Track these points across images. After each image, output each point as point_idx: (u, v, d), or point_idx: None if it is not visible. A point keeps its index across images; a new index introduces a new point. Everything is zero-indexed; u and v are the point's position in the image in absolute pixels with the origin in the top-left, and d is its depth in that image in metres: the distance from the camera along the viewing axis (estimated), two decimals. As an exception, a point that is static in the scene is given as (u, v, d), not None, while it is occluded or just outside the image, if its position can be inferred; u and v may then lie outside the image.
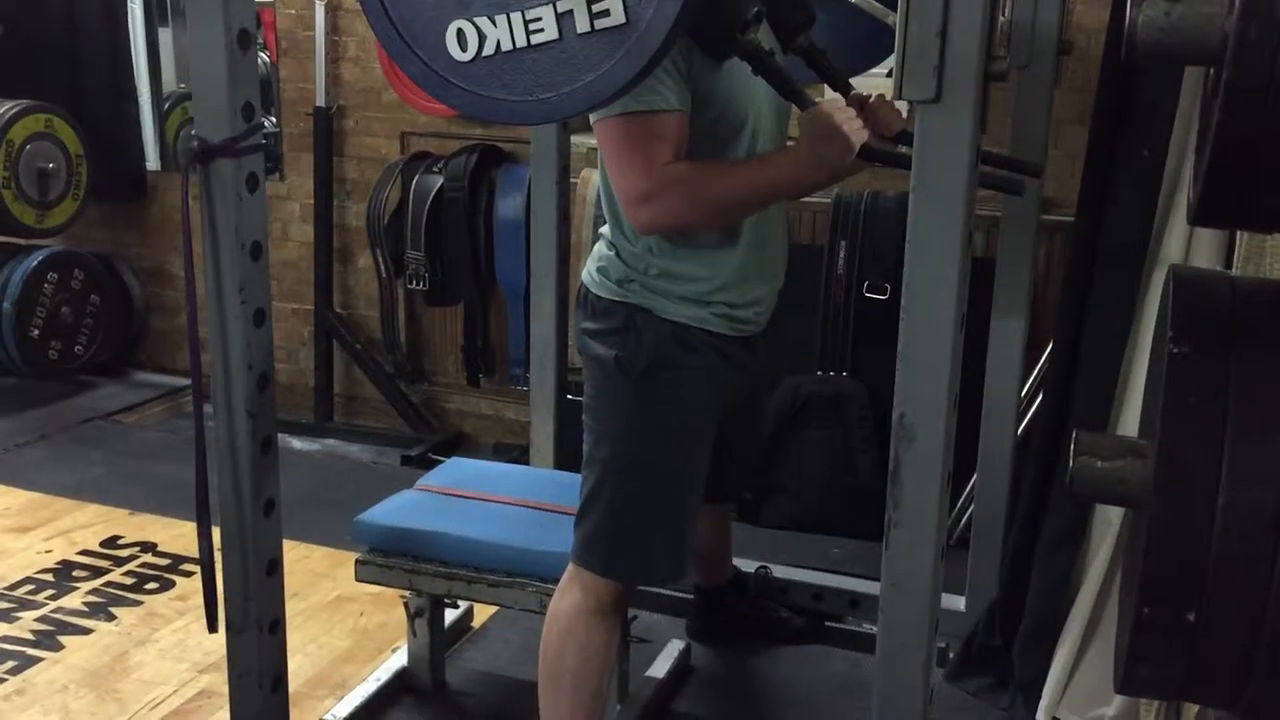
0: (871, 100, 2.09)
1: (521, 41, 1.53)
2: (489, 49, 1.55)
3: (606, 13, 1.48)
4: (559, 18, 1.50)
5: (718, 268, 2.03)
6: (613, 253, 2.06)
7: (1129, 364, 2.35)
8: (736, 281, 2.04)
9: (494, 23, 1.54)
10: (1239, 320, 0.88)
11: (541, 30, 1.52)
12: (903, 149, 2.22)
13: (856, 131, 1.88)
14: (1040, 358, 3.15)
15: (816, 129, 1.89)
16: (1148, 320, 2.31)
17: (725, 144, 1.97)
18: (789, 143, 2.16)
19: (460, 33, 1.56)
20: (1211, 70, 0.91)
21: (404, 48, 1.61)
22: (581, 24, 1.50)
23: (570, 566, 2.12)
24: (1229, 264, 2.14)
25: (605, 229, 2.10)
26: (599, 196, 2.09)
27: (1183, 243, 2.27)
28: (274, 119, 4.36)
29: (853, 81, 2.15)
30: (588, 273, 2.11)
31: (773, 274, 2.15)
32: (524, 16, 1.52)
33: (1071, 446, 0.93)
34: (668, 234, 1.98)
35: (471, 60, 1.56)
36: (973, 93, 1.51)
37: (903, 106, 1.89)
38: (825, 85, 2.26)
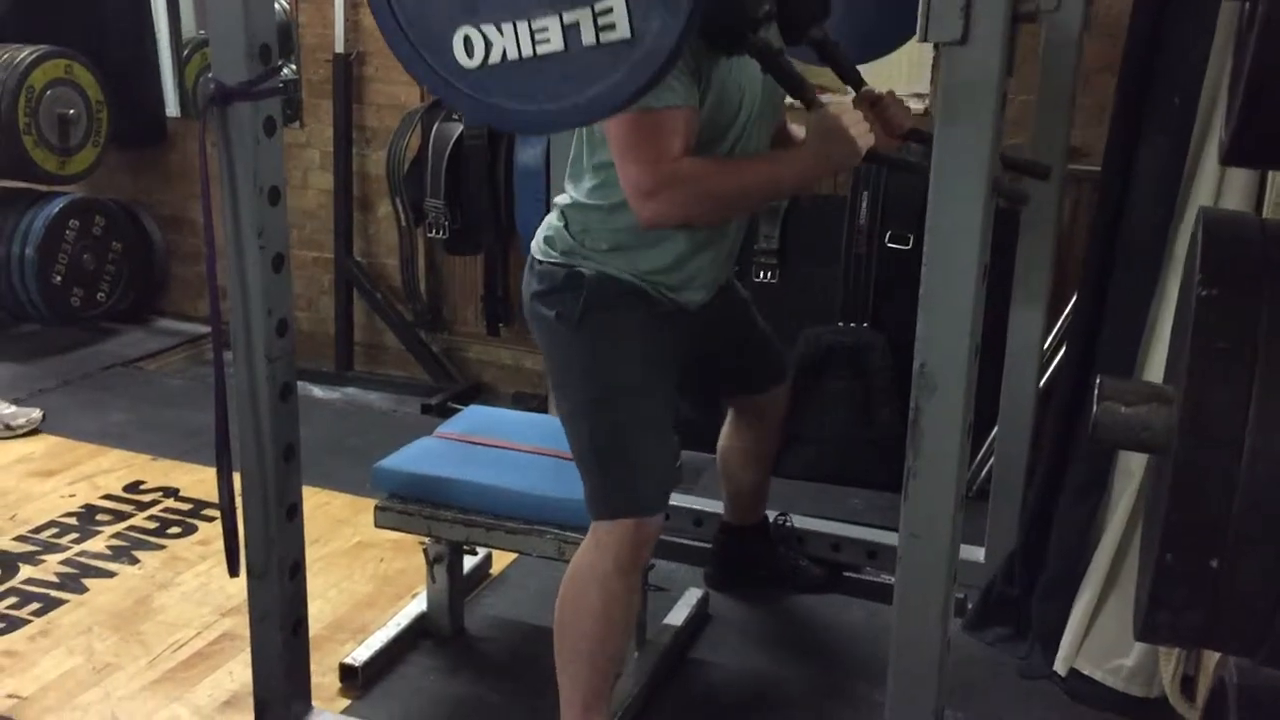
0: (883, 98, 2.14)
1: (528, 51, 1.51)
2: (495, 57, 1.53)
3: (612, 26, 1.46)
4: (565, 29, 1.48)
5: (663, 255, 2.06)
6: (561, 224, 2.10)
7: (1155, 316, 2.32)
8: (672, 268, 2.08)
9: (500, 31, 1.51)
10: (1270, 263, 0.86)
11: (548, 41, 1.50)
12: (912, 147, 2.24)
13: (864, 135, 1.92)
14: (1064, 310, 3.12)
15: (825, 131, 1.93)
16: (1174, 272, 2.28)
17: (721, 132, 1.99)
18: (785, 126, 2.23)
19: (467, 39, 1.54)
20: (1247, 3, 0.88)
21: (410, 50, 1.59)
22: (587, 37, 1.48)
23: (590, 529, 2.13)
24: (1259, 212, 2.10)
25: (560, 198, 2.14)
26: (571, 157, 2.09)
27: (1213, 190, 2.23)
28: (294, 65, 4.33)
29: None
30: (535, 242, 2.16)
31: (722, 262, 2.19)
32: (530, 26, 1.50)
33: (1095, 392, 0.91)
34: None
35: (478, 67, 1.54)
36: (1001, 34, 1.47)
37: (914, 105, 1.87)
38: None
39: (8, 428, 3.70)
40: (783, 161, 2.03)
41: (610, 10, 1.45)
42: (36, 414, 3.79)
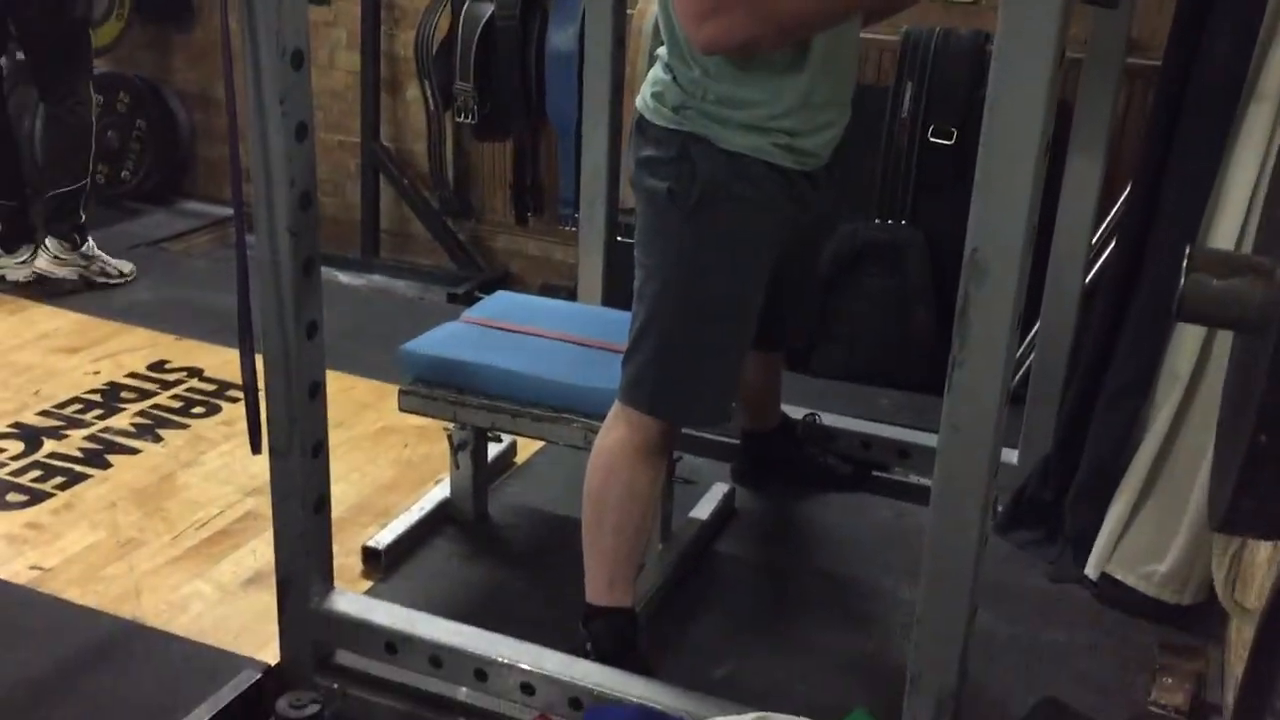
0: None
1: None
2: None
3: None
4: None
5: (780, 93, 1.90)
6: (669, 76, 1.94)
7: (1211, 216, 2.22)
8: (800, 108, 1.92)
9: None
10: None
11: None
12: None
13: None
14: (1113, 207, 3.02)
15: None
16: (1234, 169, 2.18)
17: None
18: None
19: None
20: None
21: None
22: None
23: (616, 403, 2.08)
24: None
25: (662, 50, 1.98)
26: (655, 26, 1.97)
27: (1279, 88, 2.12)
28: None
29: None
30: (642, 99, 2.00)
31: (841, 102, 2.03)
32: None
33: (1185, 263, 0.84)
34: (730, 54, 1.86)
35: None
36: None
37: None
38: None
39: (106, 274, 3.84)
40: None
41: None
42: (130, 267, 3.92)
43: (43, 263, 3.76)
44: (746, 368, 2.52)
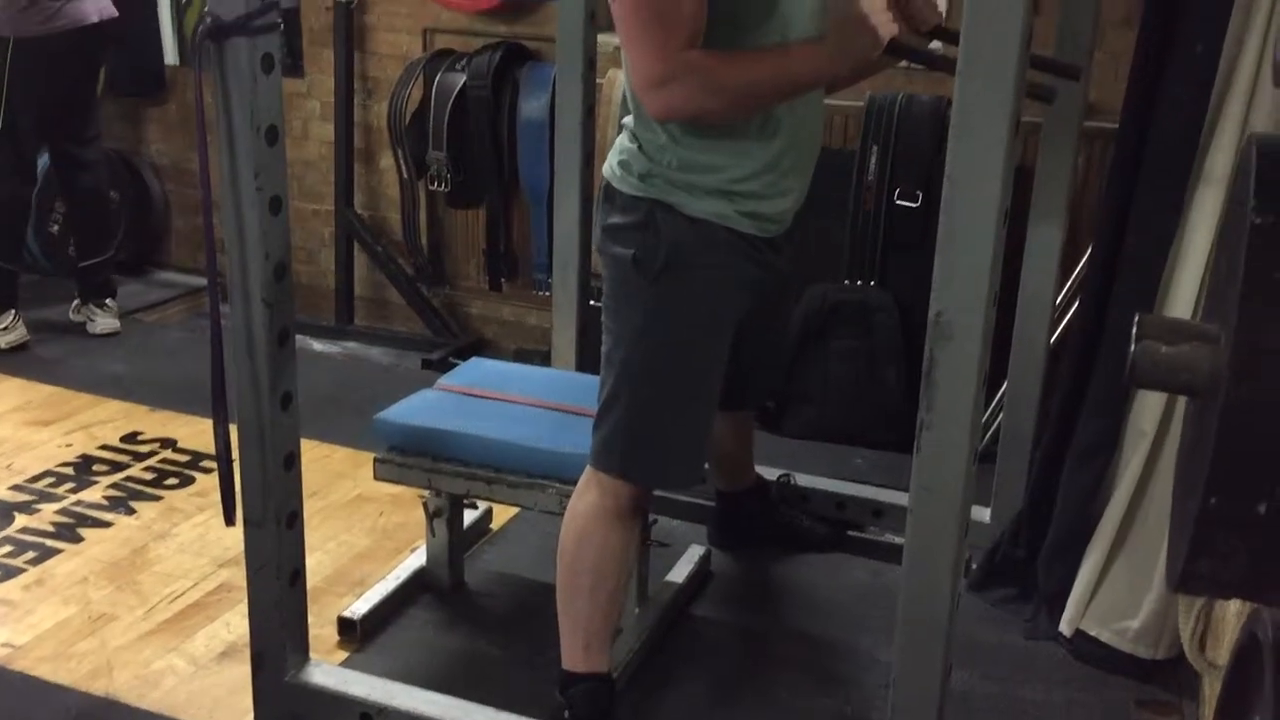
0: None
1: None
2: None
3: None
4: None
5: (746, 158, 1.94)
6: (635, 145, 1.98)
7: (1171, 272, 2.27)
8: (766, 172, 1.96)
9: None
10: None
11: None
12: (936, 45, 2.14)
13: (886, 24, 1.81)
14: (1075, 268, 3.07)
15: (844, 21, 1.83)
16: (1193, 225, 2.24)
17: (751, 30, 1.87)
18: None
19: None
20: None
21: None
22: None
23: (588, 468, 2.09)
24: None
25: (628, 119, 2.02)
26: (624, 95, 2.01)
27: (1235, 144, 2.18)
28: None
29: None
30: (609, 166, 2.04)
31: (805, 169, 2.07)
32: None
33: (1133, 330, 0.87)
34: (685, 123, 1.90)
35: None
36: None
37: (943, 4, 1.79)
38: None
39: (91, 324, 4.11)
40: (797, 53, 1.87)
41: None
42: (116, 323, 4.14)
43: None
44: (717, 428, 2.55)
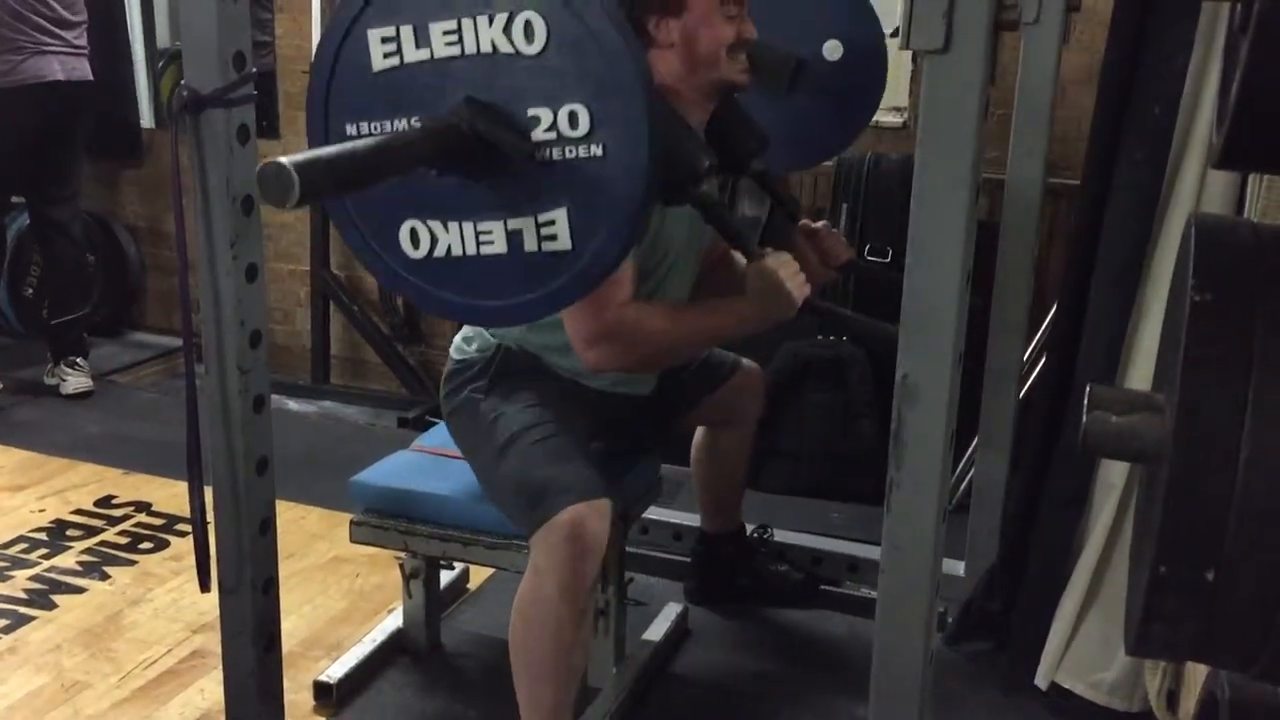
0: (819, 231, 2.34)
1: (471, 250, 1.58)
2: (440, 251, 1.59)
3: (554, 238, 1.53)
4: (509, 234, 1.55)
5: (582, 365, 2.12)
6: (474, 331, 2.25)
7: (1134, 328, 2.32)
8: (612, 380, 2.21)
9: (446, 229, 1.58)
10: (1263, 267, 0.84)
11: (491, 243, 1.56)
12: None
13: (800, 288, 2.01)
14: (1042, 323, 3.12)
15: (763, 286, 2.00)
16: (1153, 284, 2.28)
17: (649, 273, 2.08)
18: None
19: (413, 231, 1.60)
20: (1238, 4, 0.87)
21: (360, 240, 1.65)
22: (530, 244, 1.54)
23: (529, 558, 2.06)
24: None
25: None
26: None
27: (1191, 201, 2.23)
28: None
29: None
30: (455, 345, 2.27)
31: (646, 380, 2.31)
32: (475, 228, 1.56)
33: (1085, 401, 0.90)
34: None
35: (424, 259, 1.61)
36: (982, 42, 1.45)
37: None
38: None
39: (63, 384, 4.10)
40: (723, 312, 2.10)
41: (553, 223, 1.52)
42: (89, 382, 4.14)
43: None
44: (707, 469, 2.70)
